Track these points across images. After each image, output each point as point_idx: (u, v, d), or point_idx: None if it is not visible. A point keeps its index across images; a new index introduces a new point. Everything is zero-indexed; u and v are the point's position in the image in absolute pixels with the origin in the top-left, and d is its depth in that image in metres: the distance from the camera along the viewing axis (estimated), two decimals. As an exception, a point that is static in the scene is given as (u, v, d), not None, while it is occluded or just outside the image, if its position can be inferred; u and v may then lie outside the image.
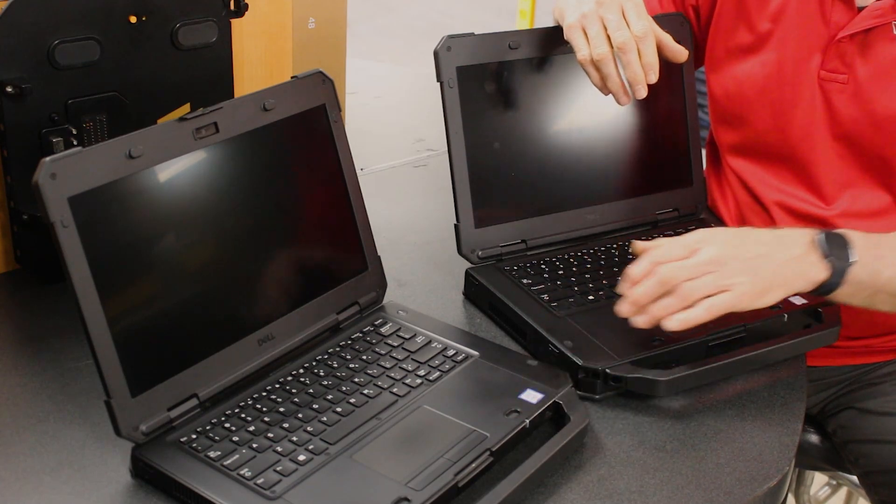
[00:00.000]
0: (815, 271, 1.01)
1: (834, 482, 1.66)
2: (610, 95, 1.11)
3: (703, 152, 1.34)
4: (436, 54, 1.11)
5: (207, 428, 0.87)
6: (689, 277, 0.97)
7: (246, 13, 1.21)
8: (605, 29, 1.08)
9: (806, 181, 1.26)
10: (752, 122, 1.28)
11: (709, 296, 0.96)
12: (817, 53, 1.20)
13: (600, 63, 1.08)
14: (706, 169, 1.45)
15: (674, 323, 0.96)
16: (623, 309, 0.98)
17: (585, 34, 1.09)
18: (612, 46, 1.08)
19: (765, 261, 0.99)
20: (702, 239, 1.00)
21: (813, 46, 1.20)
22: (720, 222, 1.36)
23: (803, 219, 1.26)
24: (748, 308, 0.98)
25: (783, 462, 0.93)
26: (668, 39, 1.13)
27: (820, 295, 1.03)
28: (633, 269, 0.99)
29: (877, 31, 1.16)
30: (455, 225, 1.15)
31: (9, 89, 1.04)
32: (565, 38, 1.12)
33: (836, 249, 1.02)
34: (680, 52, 1.14)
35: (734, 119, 1.31)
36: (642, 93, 1.08)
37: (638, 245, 1.03)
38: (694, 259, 0.98)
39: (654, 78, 1.08)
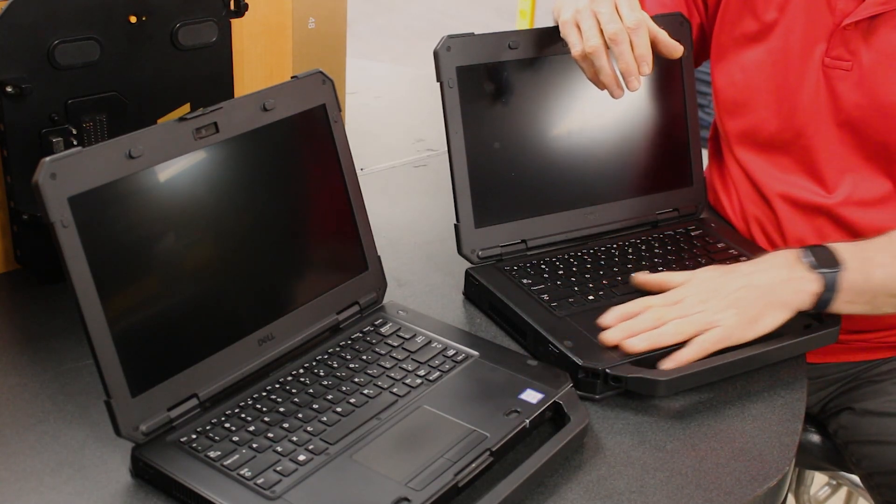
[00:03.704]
0: (808, 286, 1.05)
1: (834, 482, 1.66)
2: (606, 91, 1.11)
3: (705, 151, 1.34)
4: (436, 54, 1.11)
5: (207, 428, 0.87)
6: (678, 316, 1.03)
7: (246, 13, 1.21)
8: (599, 23, 1.08)
9: (808, 169, 1.27)
10: (757, 109, 1.29)
11: (698, 334, 1.02)
12: (822, 41, 1.21)
13: (593, 55, 1.08)
14: (709, 165, 1.45)
15: (669, 363, 1.00)
16: (612, 336, 1.02)
17: (579, 29, 1.09)
18: (605, 39, 1.08)
19: (747, 291, 1.05)
20: (685, 284, 1.07)
21: (818, 34, 1.21)
22: (722, 221, 1.36)
23: (806, 209, 1.27)
24: (743, 339, 1.03)
25: (783, 462, 0.93)
26: (663, 35, 1.12)
27: (820, 309, 1.07)
28: (625, 307, 1.05)
29: (882, 17, 1.16)
30: (455, 225, 1.14)
31: (9, 89, 1.04)
32: (561, 35, 1.12)
33: (822, 260, 1.06)
34: (675, 48, 1.13)
35: (739, 108, 1.31)
36: (635, 84, 1.07)
37: (637, 277, 1.11)
38: (682, 304, 1.04)
39: (647, 70, 1.07)
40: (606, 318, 1.04)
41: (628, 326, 1.02)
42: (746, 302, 1.04)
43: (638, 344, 1.00)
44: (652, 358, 1.01)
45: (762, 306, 1.04)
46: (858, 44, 1.19)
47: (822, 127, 1.24)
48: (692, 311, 1.03)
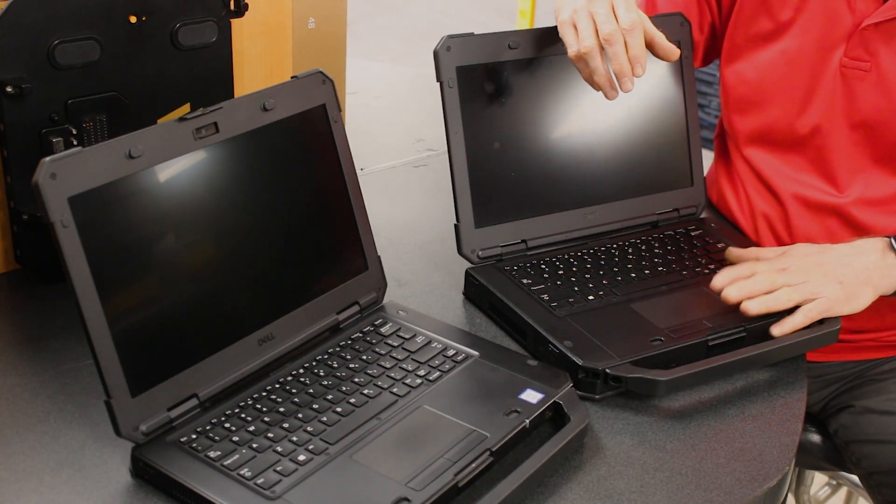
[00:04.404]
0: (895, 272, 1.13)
1: (834, 482, 1.66)
2: (601, 92, 1.11)
3: (705, 151, 1.34)
4: (436, 54, 1.11)
5: (207, 428, 0.87)
6: (787, 284, 1.09)
7: (246, 13, 1.21)
8: (595, 24, 1.08)
9: (820, 168, 1.27)
10: (770, 109, 1.29)
11: (803, 303, 1.08)
12: (841, 41, 1.21)
13: (587, 56, 1.08)
14: (714, 163, 1.45)
15: (777, 329, 1.07)
16: (732, 294, 1.07)
17: (576, 30, 1.09)
18: (600, 40, 1.08)
19: (847, 269, 1.11)
20: (786, 255, 1.14)
21: (836, 34, 1.22)
22: (723, 220, 1.36)
23: (817, 208, 1.28)
24: (841, 313, 1.09)
25: (783, 462, 0.93)
26: (660, 37, 1.12)
27: None
28: (736, 270, 1.11)
29: None
30: (455, 225, 1.15)
31: (9, 89, 1.04)
32: (559, 34, 1.12)
33: None
34: (672, 51, 1.13)
35: (751, 107, 1.31)
36: (629, 86, 1.07)
37: (733, 252, 1.18)
38: (789, 272, 1.10)
39: (640, 71, 1.07)
40: (718, 280, 1.09)
41: (746, 287, 1.07)
42: (847, 279, 1.10)
43: (756, 307, 1.06)
44: (653, 358, 1.01)
45: (858, 285, 1.10)
46: (878, 45, 1.19)
47: (837, 128, 1.24)
48: (798, 281, 1.09)
